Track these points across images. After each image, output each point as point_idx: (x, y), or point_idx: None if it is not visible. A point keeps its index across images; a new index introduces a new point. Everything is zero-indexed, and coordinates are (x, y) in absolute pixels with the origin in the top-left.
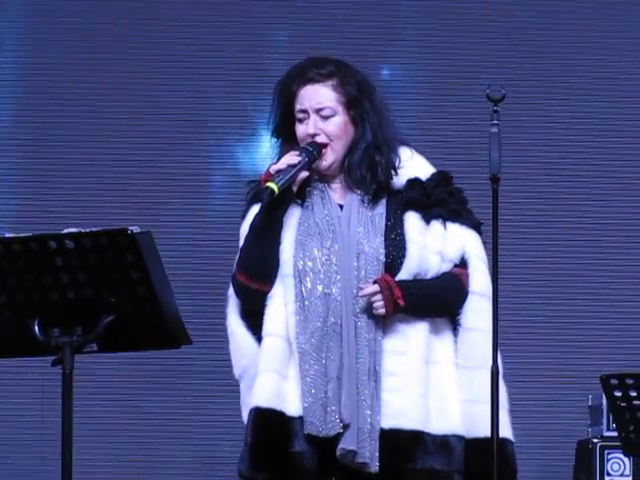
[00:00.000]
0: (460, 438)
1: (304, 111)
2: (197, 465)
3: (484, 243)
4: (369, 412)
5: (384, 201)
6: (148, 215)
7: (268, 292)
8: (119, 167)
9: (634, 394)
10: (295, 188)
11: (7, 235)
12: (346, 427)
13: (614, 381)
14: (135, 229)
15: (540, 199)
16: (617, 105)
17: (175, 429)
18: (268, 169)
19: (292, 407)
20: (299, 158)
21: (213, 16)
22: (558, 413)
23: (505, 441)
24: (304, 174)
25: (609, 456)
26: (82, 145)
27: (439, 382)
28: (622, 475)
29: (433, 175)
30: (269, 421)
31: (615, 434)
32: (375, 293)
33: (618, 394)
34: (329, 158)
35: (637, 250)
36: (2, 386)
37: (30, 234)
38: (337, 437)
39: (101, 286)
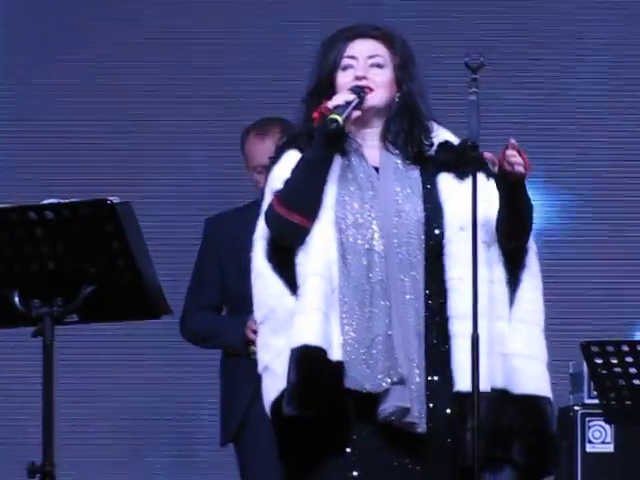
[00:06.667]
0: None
1: (352, 57)
2: (179, 442)
3: None
4: (417, 371)
5: (418, 166)
6: (129, 186)
7: (307, 228)
8: (100, 140)
9: (615, 361)
10: (347, 128)
11: None
12: (394, 384)
13: (595, 348)
14: (115, 199)
15: None
16: (598, 73)
17: (157, 402)
18: (320, 107)
19: (335, 352)
20: (354, 95)
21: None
22: None
23: (545, 400)
24: (357, 113)
25: (590, 423)
26: (64, 118)
27: (498, 339)
28: (603, 442)
29: (462, 141)
30: (316, 359)
31: (596, 401)
32: (520, 152)
33: (599, 361)
34: (370, 101)
35: (623, 214)
36: None
37: (9, 205)
38: (378, 394)
39: (81, 257)
